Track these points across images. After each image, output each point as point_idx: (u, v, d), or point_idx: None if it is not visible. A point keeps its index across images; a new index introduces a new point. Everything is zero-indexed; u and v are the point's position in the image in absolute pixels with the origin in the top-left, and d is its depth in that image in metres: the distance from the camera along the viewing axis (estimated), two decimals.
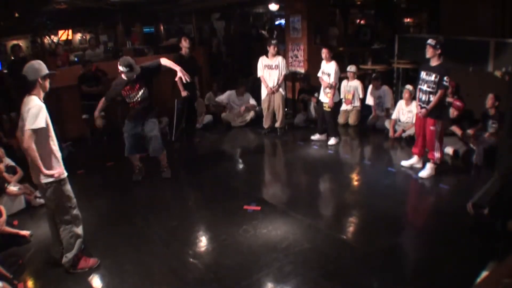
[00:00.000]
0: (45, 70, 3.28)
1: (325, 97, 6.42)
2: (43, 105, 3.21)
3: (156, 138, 5.14)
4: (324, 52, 6.35)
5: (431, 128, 4.95)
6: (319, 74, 6.52)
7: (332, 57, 6.36)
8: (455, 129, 5.77)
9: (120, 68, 4.81)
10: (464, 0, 7.04)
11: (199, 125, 7.74)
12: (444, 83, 4.75)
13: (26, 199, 4.81)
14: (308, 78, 7.74)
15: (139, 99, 5.00)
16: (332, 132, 6.56)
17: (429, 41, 4.84)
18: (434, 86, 4.81)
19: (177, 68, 4.94)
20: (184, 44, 6.43)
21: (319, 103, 6.61)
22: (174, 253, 3.81)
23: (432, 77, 4.82)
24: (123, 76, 4.89)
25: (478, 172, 5.30)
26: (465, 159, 5.56)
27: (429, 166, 5.10)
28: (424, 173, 5.09)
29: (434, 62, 4.86)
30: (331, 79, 6.26)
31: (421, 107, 5.01)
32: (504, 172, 4.03)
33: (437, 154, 5.02)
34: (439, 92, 4.78)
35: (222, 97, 8.01)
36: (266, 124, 7.27)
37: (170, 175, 5.43)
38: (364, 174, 5.59)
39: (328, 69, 6.31)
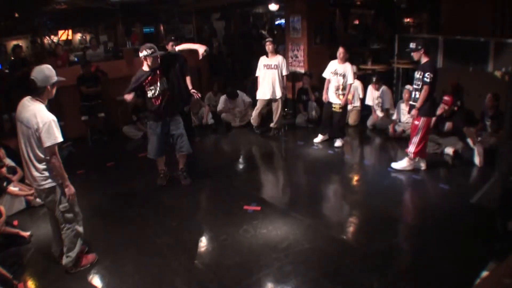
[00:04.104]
0: (54, 77, 3.25)
1: (336, 98, 6.25)
2: (54, 117, 3.19)
3: (183, 135, 5.07)
4: (340, 52, 6.12)
5: (415, 122, 5.06)
6: (328, 75, 6.28)
7: (347, 58, 6.17)
8: (466, 130, 5.70)
9: (144, 53, 4.64)
10: (464, 0, 7.04)
11: (205, 121, 7.82)
12: (425, 79, 4.82)
13: (26, 199, 4.81)
14: (311, 74, 7.71)
15: (160, 91, 4.80)
16: (339, 133, 6.47)
17: (411, 45, 4.94)
18: (419, 83, 4.92)
19: (195, 46, 4.93)
20: (169, 48, 5.87)
21: (326, 104, 6.45)
22: (174, 253, 3.81)
23: (418, 75, 4.93)
24: (146, 64, 4.72)
25: (478, 172, 5.30)
26: (465, 159, 5.56)
27: (405, 159, 5.25)
28: (398, 165, 5.27)
29: (423, 61, 4.95)
30: (349, 80, 6.12)
31: (411, 105, 5.13)
32: (505, 172, 4.03)
33: (411, 148, 5.12)
34: (424, 88, 4.86)
35: (220, 106, 7.88)
36: (254, 122, 7.22)
37: (190, 181, 5.32)
38: (364, 174, 5.59)
39: (342, 70, 6.12)
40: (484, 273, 2.66)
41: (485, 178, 4.84)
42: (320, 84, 6.65)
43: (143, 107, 4.90)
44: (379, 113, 7.20)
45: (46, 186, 3.30)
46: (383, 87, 7.18)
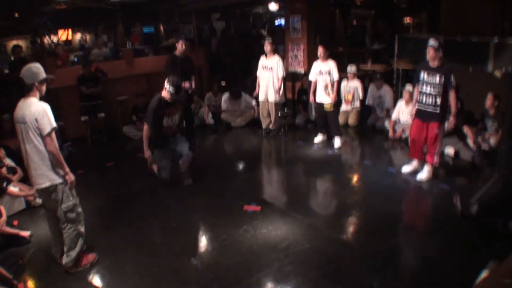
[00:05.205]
0: (42, 74, 3.29)
1: (326, 98, 6.33)
2: (46, 105, 3.25)
3: (189, 155, 5.18)
4: (321, 52, 6.25)
5: (436, 131, 4.81)
6: (313, 77, 6.39)
7: (328, 56, 6.31)
8: (467, 130, 5.70)
9: (167, 87, 4.81)
10: (464, 0, 7.04)
11: (207, 121, 7.88)
12: (452, 83, 4.62)
13: (26, 199, 4.81)
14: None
15: (176, 122, 5.06)
16: (336, 132, 6.50)
17: (432, 43, 4.66)
18: (440, 88, 4.66)
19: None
20: (179, 48, 6.22)
21: (318, 104, 6.53)
22: (174, 253, 3.81)
23: (437, 79, 4.67)
24: (165, 95, 4.86)
25: (478, 172, 5.30)
26: (465, 159, 5.56)
27: (427, 169, 5.04)
28: (423, 176, 5.05)
29: (435, 63, 4.71)
30: (335, 76, 6.21)
31: (427, 112, 4.80)
32: (504, 172, 4.03)
33: (436, 158, 4.95)
34: (453, 92, 4.66)
35: (223, 105, 7.86)
36: (264, 124, 7.28)
37: (191, 181, 5.34)
38: (364, 174, 5.59)
39: (326, 68, 6.23)
40: (484, 273, 2.65)
41: (485, 178, 4.84)
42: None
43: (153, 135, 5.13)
44: (379, 113, 7.20)
45: (47, 185, 3.31)
46: (385, 87, 7.19)
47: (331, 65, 6.24)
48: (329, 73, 6.23)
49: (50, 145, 3.23)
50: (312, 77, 6.43)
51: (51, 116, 3.22)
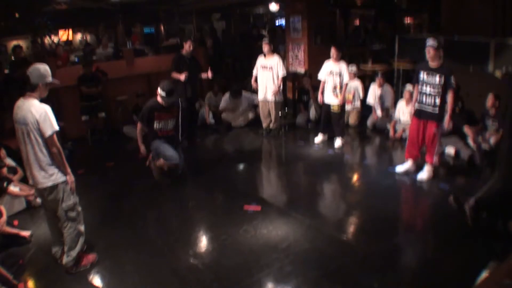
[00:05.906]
0: (49, 77, 3.31)
1: (334, 99, 6.27)
2: (48, 107, 3.25)
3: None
4: (334, 52, 6.17)
5: (434, 130, 4.80)
6: (322, 77, 6.32)
7: (341, 57, 6.25)
8: (467, 130, 5.68)
9: (159, 91, 4.94)
10: (464, 0, 7.05)
11: (208, 121, 7.90)
12: (452, 84, 4.61)
13: (26, 199, 4.81)
14: (310, 75, 7.71)
15: (168, 127, 5.13)
16: (340, 133, 6.47)
17: (431, 42, 4.62)
18: (439, 88, 4.65)
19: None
20: (186, 48, 6.50)
21: (324, 105, 6.49)
22: (174, 253, 3.81)
23: (436, 79, 4.66)
24: (158, 99, 5.00)
25: (478, 172, 5.30)
26: (466, 159, 5.55)
27: (428, 169, 5.03)
28: (423, 176, 5.03)
29: (435, 63, 4.69)
30: (345, 78, 6.16)
31: (426, 111, 4.80)
32: (504, 172, 4.02)
33: (436, 158, 4.95)
34: (450, 93, 4.65)
35: (222, 104, 7.87)
36: (264, 124, 7.27)
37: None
38: (365, 174, 5.59)
39: (338, 69, 6.17)
40: (484, 273, 2.65)
41: (485, 178, 4.84)
42: (318, 85, 6.65)
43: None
44: (379, 112, 7.19)
45: (49, 184, 3.32)
46: (386, 86, 7.18)
47: (343, 67, 6.18)
48: (340, 75, 6.17)
49: (52, 147, 3.24)
50: (322, 76, 6.36)
51: (53, 118, 3.23)
